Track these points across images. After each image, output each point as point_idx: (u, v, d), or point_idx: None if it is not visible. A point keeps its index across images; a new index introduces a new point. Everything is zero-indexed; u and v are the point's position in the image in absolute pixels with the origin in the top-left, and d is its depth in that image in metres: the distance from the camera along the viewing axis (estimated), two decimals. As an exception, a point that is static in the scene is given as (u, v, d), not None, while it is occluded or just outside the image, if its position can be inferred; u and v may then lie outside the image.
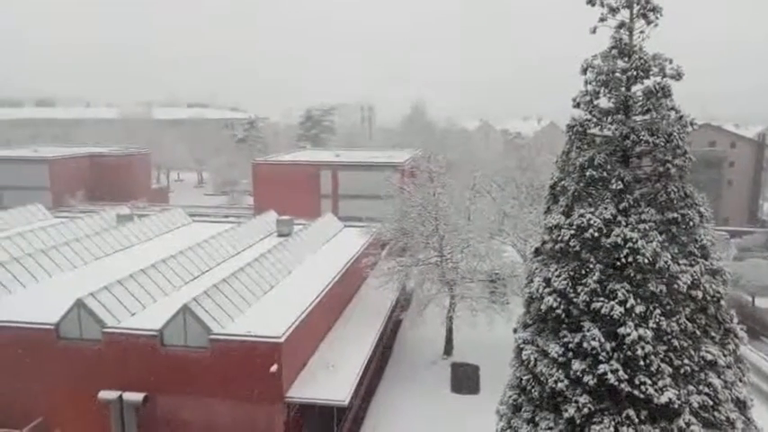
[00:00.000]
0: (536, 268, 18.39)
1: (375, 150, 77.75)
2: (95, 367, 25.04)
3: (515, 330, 19.08)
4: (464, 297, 34.68)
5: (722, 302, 16.56)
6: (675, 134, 16.53)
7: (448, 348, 37.14)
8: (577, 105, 17.92)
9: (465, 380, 32.71)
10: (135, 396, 24.62)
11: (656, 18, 16.96)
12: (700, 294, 16.11)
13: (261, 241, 40.63)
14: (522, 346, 18.06)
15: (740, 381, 16.70)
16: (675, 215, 16.47)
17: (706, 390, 15.69)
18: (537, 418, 17.19)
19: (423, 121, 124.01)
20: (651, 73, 17.01)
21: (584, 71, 17.64)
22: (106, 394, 24.73)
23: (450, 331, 37.03)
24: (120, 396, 24.67)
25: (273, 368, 23.74)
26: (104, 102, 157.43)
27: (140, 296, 27.82)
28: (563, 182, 18.04)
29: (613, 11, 17.22)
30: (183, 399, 24.79)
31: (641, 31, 17.15)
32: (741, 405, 16.61)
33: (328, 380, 26.08)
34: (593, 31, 17.51)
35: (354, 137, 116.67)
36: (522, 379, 17.88)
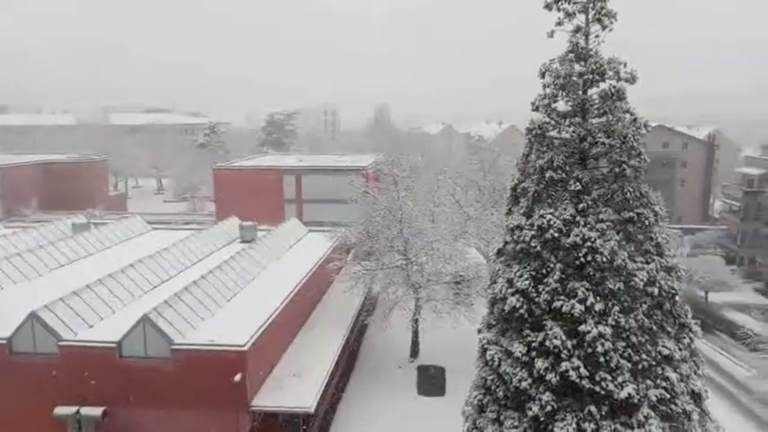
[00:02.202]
0: (499, 269, 18.63)
1: (339, 154, 77.60)
2: (51, 382, 24.11)
3: (479, 331, 19.27)
4: (429, 299, 34.85)
5: (677, 298, 17.08)
6: (630, 136, 17.02)
7: (414, 351, 37.23)
8: (536, 108, 18.26)
9: (431, 382, 32.85)
10: (93, 411, 23.81)
11: (611, 23, 17.44)
12: (656, 291, 16.59)
13: (223, 248, 39.96)
14: (486, 346, 18.25)
15: (695, 374, 17.26)
16: (631, 214, 16.93)
17: (663, 384, 16.15)
18: (502, 418, 17.37)
19: (386, 124, 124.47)
20: (606, 76, 17.46)
21: (543, 75, 17.99)
22: (63, 410, 23.84)
23: (416, 334, 37.14)
24: (78, 411, 23.81)
25: (238, 377, 23.34)
26: (60, 108, 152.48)
27: (98, 307, 26.96)
28: (523, 183, 18.34)
29: (570, 15, 17.62)
30: (145, 411, 24.10)
31: (596, 36, 17.60)
32: (696, 397, 17.16)
33: (294, 387, 25.78)
34: (551, 35, 17.89)
35: (318, 141, 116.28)
36: (486, 379, 18.05)
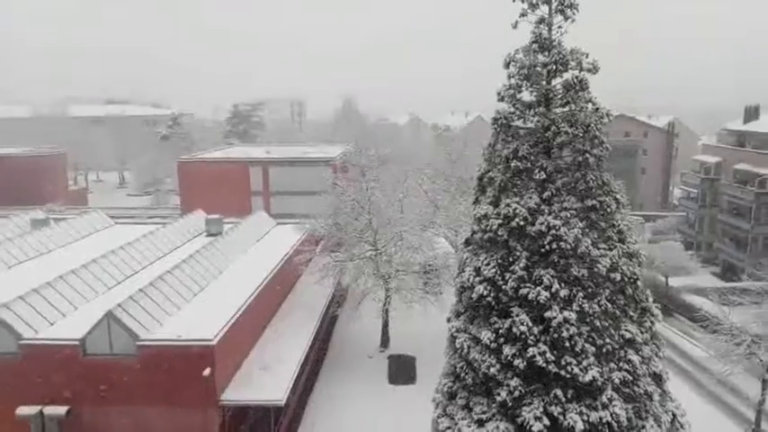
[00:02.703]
0: (467, 258, 18.86)
1: (306, 146, 76.98)
2: (12, 382, 23.38)
3: (449, 319, 19.50)
4: (399, 289, 35.05)
5: (639, 283, 17.59)
6: (593, 125, 17.38)
7: (384, 341, 37.45)
8: (502, 99, 18.49)
9: (402, 371, 33.12)
10: (57, 410, 23.21)
11: (573, 14, 17.73)
12: (618, 276, 17.05)
13: (189, 242, 39.30)
14: (455, 334, 18.49)
15: (656, 356, 17.83)
16: (594, 202, 17.33)
17: (626, 366, 16.65)
18: (471, 404, 17.67)
19: (354, 115, 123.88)
20: (569, 67, 17.76)
21: (507, 65, 18.20)
22: (25, 410, 23.16)
23: (386, 324, 37.35)
24: (41, 411, 23.18)
25: (206, 372, 23.06)
26: (14, 99, 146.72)
27: (60, 305, 26.22)
28: (490, 173, 18.57)
29: (533, 6, 17.85)
30: (112, 409, 23.63)
31: (559, 27, 17.86)
32: (657, 379, 17.75)
33: (264, 380, 25.63)
34: (515, 26, 18.09)
35: (285, 132, 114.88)
36: (456, 366, 18.31)
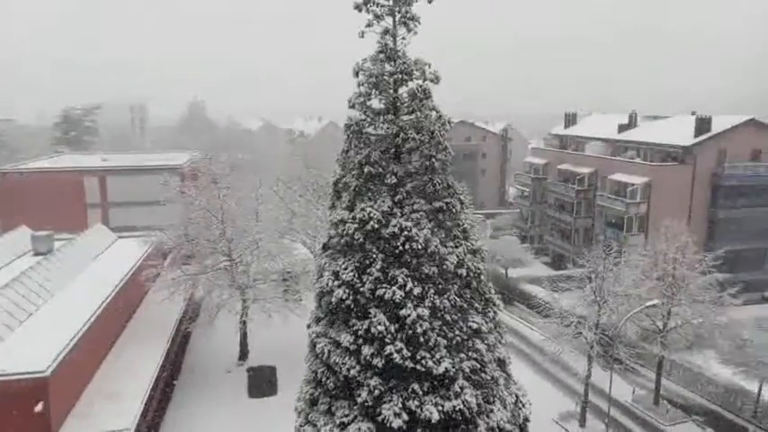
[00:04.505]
0: (325, 263, 18.99)
1: (150, 153, 71.97)
2: None
3: (309, 325, 19.47)
4: (257, 299, 34.18)
5: (482, 277, 19.02)
6: (437, 132, 18.46)
7: (243, 354, 36.31)
8: (353, 106, 18.91)
9: (262, 383, 32.32)
10: None
11: (415, 26, 18.68)
12: (464, 272, 18.29)
13: (11, 263, 34.67)
14: (315, 339, 18.52)
15: (500, 343, 19.42)
16: (441, 204, 18.42)
17: (474, 355, 17.90)
18: (333, 408, 17.80)
19: (202, 120, 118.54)
20: (414, 76, 18.69)
21: (357, 74, 18.66)
22: None
23: (244, 336, 36.23)
24: None
25: (39, 407, 20.57)
26: None
27: None
28: (345, 179, 18.90)
29: (378, 17, 18.48)
30: None
31: (403, 38, 18.72)
32: (502, 364, 19.35)
33: (109, 409, 23.50)
34: (362, 35, 18.61)
35: (124, 139, 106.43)
36: (317, 372, 18.34)
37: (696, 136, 49.98)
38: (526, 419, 19.51)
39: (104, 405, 23.71)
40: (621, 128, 59.54)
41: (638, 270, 31.98)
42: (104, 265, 35.46)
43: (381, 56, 18.53)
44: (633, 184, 50.31)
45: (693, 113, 54.22)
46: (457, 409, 16.84)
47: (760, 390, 30.75)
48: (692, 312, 30.39)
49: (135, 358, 28.19)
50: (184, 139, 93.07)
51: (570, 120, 69.81)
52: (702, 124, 50.02)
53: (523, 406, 19.56)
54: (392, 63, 18.55)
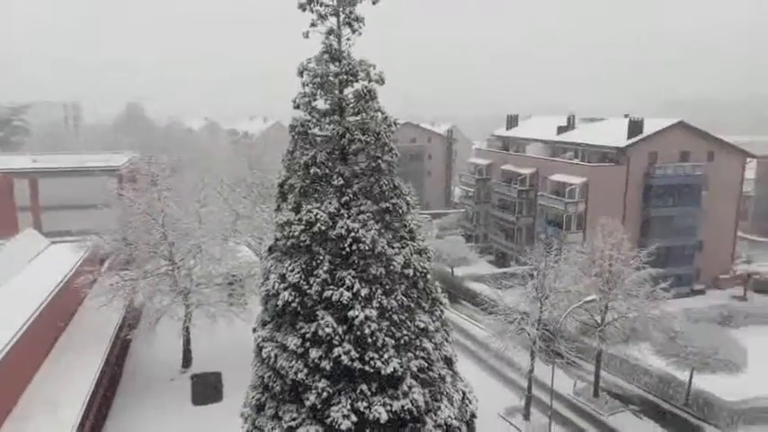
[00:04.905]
0: (271, 265, 18.74)
1: (85, 153, 68.85)
2: None
3: (255, 329, 19.16)
4: (201, 304, 33.27)
5: (429, 276, 19.27)
6: (383, 133, 18.57)
7: (187, 360, 35.28)
8: (297, 107, 18.76)
9: (207, 390, 31.49)
10: None
11: (360, 27, 18.70)
12: (411, 272, 18.47)
13: (-68, 271, 32.39)
14: (261, 344, 18.24)
15: (446, 341, 19.73)
16: (388, 205, 18.53)
17: (422, 354, 18.11)
18: (281, 413, 17.59)
19: (141, 120, 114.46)
20: (359, 77, 18.72)
21: (301, 74, 18.53)
22: None
23: (187, 342, 35.21)
24: None
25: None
26: None
27: None
28: (290, 180, 18.72)
29: (322, 17, 18.41)
30: None
31: (348, 39, 18.71)
32: (448, 362, 19.65)
33: (44, 422, 22.34)
34: (306, 35, 18.49)
35: (57, 138, 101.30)
36: (264, 377, 18.07)
37: (629, 138, 52.32)
38: (473, 415, 19.89)
39: (41, 414, 22.53)
40: (560, 129, 61.61)
41: (576, 267, 33.13)
42: (36, 271, 33.65)
43: (326, 56, 18.48)
44: (572, 184, 52.14)
45: (626, 116, 56.80)
46: (405, 408, 16.97)
47: (691, 378, 32.50)
48: (628, 306, 31.77)
49: (72, 368, 26.93)
50: (123, 139, 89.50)
51: (512, 122, 71.65)
52: (635, 127, 52.41)
53: (470, 402, 19.93)
54: (337, 63, 18.53)
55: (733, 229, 57.15)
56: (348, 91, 18.97)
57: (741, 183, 57.06)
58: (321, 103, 19.04)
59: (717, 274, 55.76)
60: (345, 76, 18.42)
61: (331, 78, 18.51)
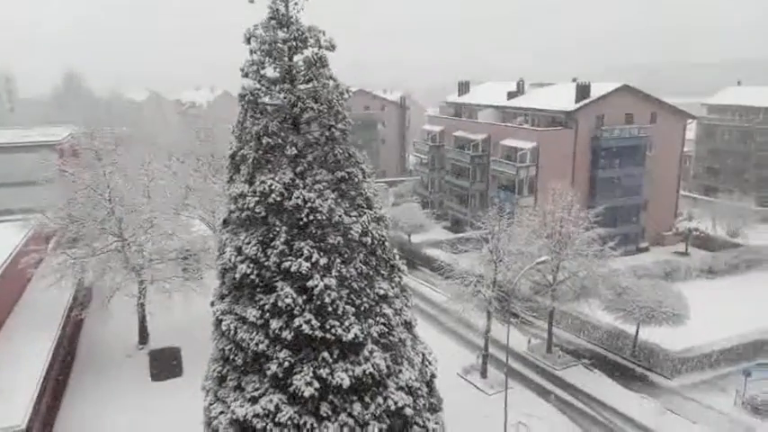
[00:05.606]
0: (226, 238, 18.46)
1: (21, 128, 65.24)
2: None
3: (213, 303, 18.96)
4: (155, 280, 32.63)
5: (387, 244, 19.39)
6: (335, 101, 18.30)
7: (143, 337, 34.75)
8: (246, 75, 18.22)
9: (166, 365, 31.20)
10: None
11: (309, -9, 18.16)
12: (369, 240, 18.54)
13: None
14: (220, 317, 18.10)
15: (406, 306, 20.02)
16: (343, 174, 18.42)
17: (382, 320, 18.35)
18: (243, 383, 17.61)
19: (80, 92, 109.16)
20: (309, 44, 18.29)
21: (248, 41, 17.95)
22: None
23: (143, 319, 34.60)
24: None
25: None
26: None
27: None
28: (242, 151, 18.31)
29: (268, -20, 17.77)
30: None
31: (296, 3, 18.15)
32: (408, 326, 20.01)
33: (-5, 408, 21.69)
34: (252, 0, 17.84)
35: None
36: (224, 350, 17.99)
37: (577, 102, 53.46)
38: (433, 376, 20.43)
39: (-12, 405, 21.83)
40: (510, 95, 62.30)
41: (529, 230, 34.05)
42: (-25, 253, 32.11)
43: (273, 22, 17.94)
44: (522, 149, 53.11)
45: (574, 80, 57.88)
46: (367, 372, 17.27)
47: (637, 331, 34.28)
48: (578, 265, 33.02)
49: (21, 351, 26.10)
50: (62, 112, 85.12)
51: (463, 88, 71.89)
52: (582, 91, 53.54)
53: (430, 364, 20.43)
54: (285, 30, 18.03)
55: (675, 188, 59.80)
56: (298, 58, 18.53)
57: (682, 143, 59.47)
58: (270, 71, 18.55)
59: (661, 232, 58.45)
60: (294, 43, 17.97)
61: (280, 45, 17.99)
